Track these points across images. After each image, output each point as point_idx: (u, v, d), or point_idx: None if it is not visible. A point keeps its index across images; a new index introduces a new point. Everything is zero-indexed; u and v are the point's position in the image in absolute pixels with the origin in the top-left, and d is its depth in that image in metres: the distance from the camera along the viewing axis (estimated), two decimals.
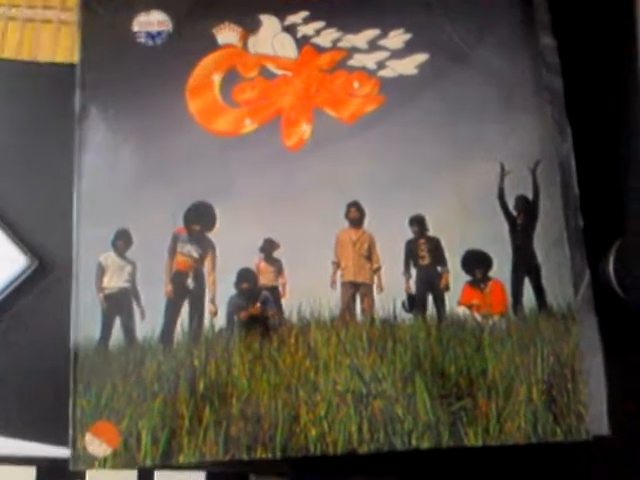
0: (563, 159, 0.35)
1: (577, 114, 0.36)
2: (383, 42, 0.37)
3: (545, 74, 0.36)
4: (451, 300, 0.33)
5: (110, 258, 0.33)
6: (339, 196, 0.34)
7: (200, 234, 0.34)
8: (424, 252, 0.34)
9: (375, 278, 0.34)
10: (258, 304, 0.33)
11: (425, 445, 0.31)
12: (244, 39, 0.37)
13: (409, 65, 0.36)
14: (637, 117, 0.35)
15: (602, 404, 0.32)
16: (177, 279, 0.34)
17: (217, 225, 0.34)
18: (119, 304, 0.33)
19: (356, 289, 0.34)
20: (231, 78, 0.36)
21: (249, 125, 0.36)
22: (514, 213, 0.34)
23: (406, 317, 0.33)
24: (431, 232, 0.34)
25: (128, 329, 0.33)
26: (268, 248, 0.34)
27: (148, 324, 0.33)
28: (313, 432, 0.31)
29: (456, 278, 0.34)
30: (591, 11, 0.38)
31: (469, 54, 0.36)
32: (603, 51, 0.37)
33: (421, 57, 0.36)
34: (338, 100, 0.36)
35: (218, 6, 0.37)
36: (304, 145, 0.35)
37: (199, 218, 0.34)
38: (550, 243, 0.34)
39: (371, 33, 0.37)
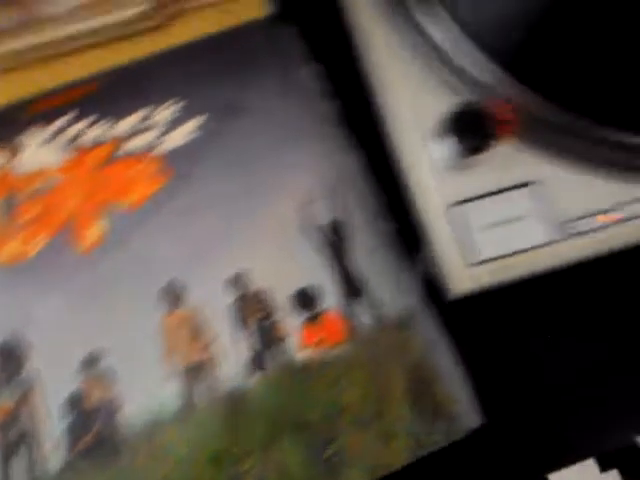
0: (359, 172, 0.36)
1: (362, 125, 0.37)
2: (155, 118, 0.36)
3: (320, 100, 0.37)
4: (293, 346, 0.32)
5: None
6: (151, 283, 0.33)
7: (10, 377, 0.31)
8: (253, 308, 0.33)
9: (210, 353, 0.32)
10: (95, 428, 0.30)
11: None
12: (10, 160, 0.35)
13: (187, 132, 0.36)
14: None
15: (468, 396, 0.32)
16: None
17: (29, 361, 0.31)
18: None
19: (194, 372, 0.32)
20: (10, 203, 0.35)
21: (40, 242, 0.34)
22: (330, 237, 0.34)
23: (252, 381, 0.31)
24: (255, 285, 0.33)
25: None
26: (91, 362, 0.32)
27: None
28: None
29: (292, 322, 0.33)
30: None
31: (243, 104, 0.37)
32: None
33: (197, 120, 0.36)
34: (122, 190, 0.35)
35: None
36: (101, 245, 0.34)
37: (5, 361, 0.31)
38: (370, 256, 0.34)
39: (141, 114, 0.36)
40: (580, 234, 0.27)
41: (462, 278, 0.27)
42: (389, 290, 0.33)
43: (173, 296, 0.33)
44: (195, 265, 0.33)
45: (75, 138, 0.36)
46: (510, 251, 0.27)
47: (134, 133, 0.36)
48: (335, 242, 0.34)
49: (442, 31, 0.29)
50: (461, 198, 0.28)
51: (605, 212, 0.28)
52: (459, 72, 0.29)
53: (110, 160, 0.36)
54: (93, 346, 0.32)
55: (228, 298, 0.33)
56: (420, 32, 0.29)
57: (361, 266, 0.34)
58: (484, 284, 0.27)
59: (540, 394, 0.32)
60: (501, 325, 0.32)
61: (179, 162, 0.35)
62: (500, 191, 0.28)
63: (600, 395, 0.31)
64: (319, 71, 0.38)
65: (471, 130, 0.26)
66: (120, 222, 0.34)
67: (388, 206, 0.35)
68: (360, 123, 0.37)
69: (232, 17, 0.39)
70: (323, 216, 0.35)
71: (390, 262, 0.34)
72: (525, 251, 0.27)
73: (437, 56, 0.29)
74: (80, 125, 0.36)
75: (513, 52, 0.29)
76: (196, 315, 0.33)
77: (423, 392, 0.31)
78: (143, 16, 0.38)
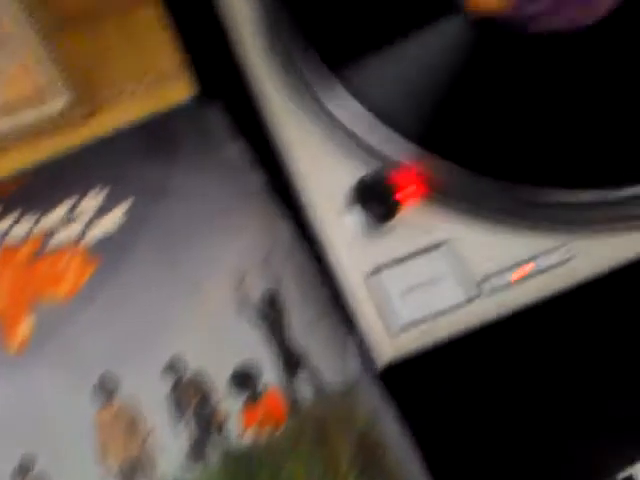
0: (292, 241, 0.36)
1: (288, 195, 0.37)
2: (81, 208, 0.36)
3: (248, 174, 0.38)
4: (234, 431, 0.31)
5: None
6: (83, 378, 0.32)
7: None
8: (191, 394, 0.32)
9: (147, 447, 0.31)
10: None
11: None
12: None
13: (114, 218, 0.36)
14: None
15: (418, 463, 0.31)
16: None
17: None
18: None
19: (131, 471, 0.30)
20: None
21: None
22: (266, 312, 0.34)
23: (194, 474, 0.30)
24: (191, 370, 0.32)
25: None
26: (23, 471, 0.30)
27: None
28: None
29: (232, 405, 0.32)
30: None
31: (170, 186, 0.37)
32: None
33: (125, 205, 0.36)
34: (51, 284, 0.34)
35: None
36: (30, 342, 0.33)
37: None
38: (309, 327, 0.34)
39: (67, 205, 0.36)
40: (496, 290, 0.28)
41: (387, 347, 0.27)
42: (330, 361, 0.33)
43: (106, 390, 0.32)
44: (129, 355, 0.33)
45: (4, 233, 0.36)
46: (431, 315, 0.27)
47: (60, 226, 0.36)
48: (271, 316, 0.34)
49: (344, 107, 0.30)
50: (377, 266, 0.28)
51: (519, 265, 0.28)
52: (365, 144, 0.30)
53: (37, 255, 0.35)
54: (25, 451, 0.30)
55: (164, 387, 0.32)
56: (323, 109, 0.30)
57: (300, 338, 0.33)
58: (410, 351, 0.27)
59: (489, 452, 0.31)
60: (443, 385, 0.32)
61: (107, 251, 0.35)
62: (416, 254, 0.28)
63: (552, 448, 0.31)
64: (245, 145, 0.38)
65: (377, 199, 0.27)
66: (50, 317, 0.33)
67: (324, 274, 0.35)
68: (287, 193, 0.37)
69: (157, 101, 0.40)
70: (257, 290, 0.34)
71: (330, 332, 0.33)
72: (445, 313, 0.27)
73: (343, 129, 0.30)
74: (4, 223, 0.36)
75: (415, 121, 0.30)
76: (131, 408, 0.32)
77: (371, 462, 0.30)
78: (66, 110, 0.38)
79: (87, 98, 0.38)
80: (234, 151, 0.38)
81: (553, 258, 0.28)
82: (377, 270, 0.28)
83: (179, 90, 0.40)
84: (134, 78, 0.40)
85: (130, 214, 0.36)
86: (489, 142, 0.30)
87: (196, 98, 0.40)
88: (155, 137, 0.39)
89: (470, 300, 0.27)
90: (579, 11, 0.33)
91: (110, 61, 0.40)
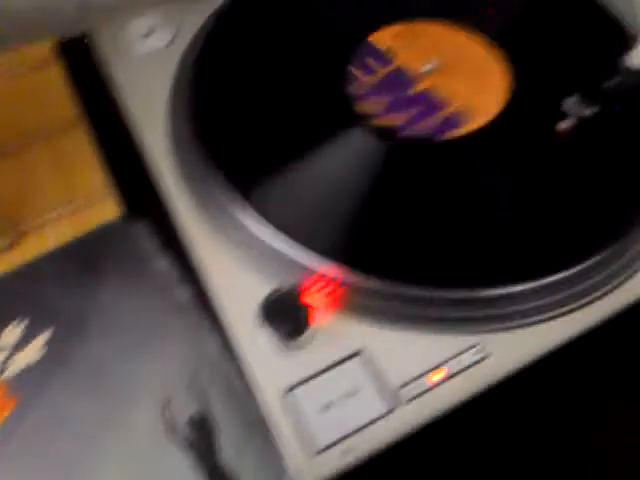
0: (217, 354, 0.35)
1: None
2: (2, 340, 0.35)
3: (174, 290, 0.37)
4: None
5: None
6: None
7: None
8: None
9: None
10: None
11: None
12: None
13: (35, 349, 0.35)
14: None
15: None
16: None
17: None
18: None
19: None
20: None
21: None
22: (194, 435, 0.32)
23: None
24: None
25: None
26: None
27: None
28: None
29: None
30: None
31: (93, 311, 0.36)
32: None
33: (46, 335, 0.35)
34: None
35: None
36: None
37: None
38: (238, 446, 0.32)
39: None
40: (416, 397, 0.27)
41: (306, 469, 0.26)
42: None
43: None
44: None
45: None
46: (350, 431, 0.27)
47: None
48: (200, 440, 0.32)
49: (254, 226, 0.31)
50: (292, 383, 0.28)
51: (435, 369, 0.28)
52: (275, 260, 0.30)
53: None
54: None
55: None
56: (235, 227, 0.31)
57: (231, 461, 0.32)
58: (332, 472, 0.26)
59: None
60: None
61: (28, 385, 0.34)
62: (331, 367, 0.28)
63: None
64: (172, 261, 0.39)
65: (285, 316, 0.27)
66: None
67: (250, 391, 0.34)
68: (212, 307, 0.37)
69: (84, 224, 0.40)
70: (185, 413, 0.33)
71: (260, 454, 0.32)
72: (365, 427, 0.27)
73: (253, 247, 0.31)
74: None
75: (322, 235, 0.31)
76: None
77: None
78: None
79: (9, 227, 0.38)
80: (161, 267, 0.38)
81: (467, 358, 0.28)
82: (292, 387, 0.27)
83: (106, 211, 0.40)
84: (61, 203, 0.41)
85: (51, 344, 0.35)
86: (394, 251, 0.31)
87: (123, 218, 0.40)
88: (81, 259, 0.38)
89: (390, 410, 0.27)
90: (436, 125, 0.36)
91: (36, 188, 0.41)
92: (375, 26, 0.41)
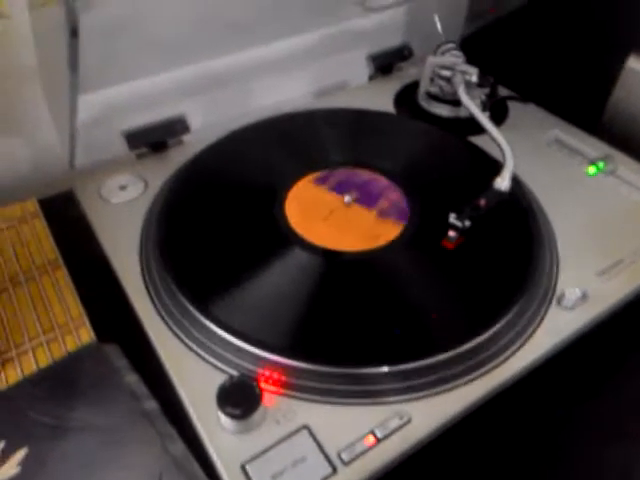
0: (181, 459, 0.39)
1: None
2: None
3: (143, 403, 0.42)
4: None
5: None
6: None
7: None
8: None
9: None
10: None
11: None
12: None
13: (10, 468, 0.37)
14: None
15: None
16: None
17: None
18: None
19: None
20: None
21: None
22: None
23: None
24: None
25: None
26: None
27: None
28: None
29: None
30: None
31: (67, 427, 0.39)
32: None
33: (20, 454, 0.38)
34: None
35: None
36: None
37: None
38: None
39: None
40: (352, 460, 0.33)
41: None
42: None
43: None
44: None
45: None
46: None
47: None
48: None
49: (213, 332, 0.38)
50: (246, 458, 0.33)
51: (366, 435, 0.34)
52: (230, 351, 0.37)
53: None
54: None
55: None
56: (198, 328, 0.38)
57: None
58: None
59: None
60: None
61: None
62: (280, 441, 0.33)
63: None
64: (140, 378, 0.43)
65: (237, 401, 0.33)
66: None
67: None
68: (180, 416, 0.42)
69: (61, 349, 0.45)
70: None
71: None
72: None
73: (213, 342, 0.38)
74: None
75: (269, 333, 0.38)
76: None
77: None
78: None
79: None
80: (130, 380, 0.43)
81: (393, 424, 0.34)
82: (248, 461, 0.32)
83: (81, 337, 0.46)
84: (41, 332, 0.46)
85: (25, 464, 0.37)
86: (326, 341, 0.38)
87: (96, 342, 0.46)
88: (58, 380, 0.42)
89: (334, 470, 0.32)
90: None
91: (19, 321, 0.46)
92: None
